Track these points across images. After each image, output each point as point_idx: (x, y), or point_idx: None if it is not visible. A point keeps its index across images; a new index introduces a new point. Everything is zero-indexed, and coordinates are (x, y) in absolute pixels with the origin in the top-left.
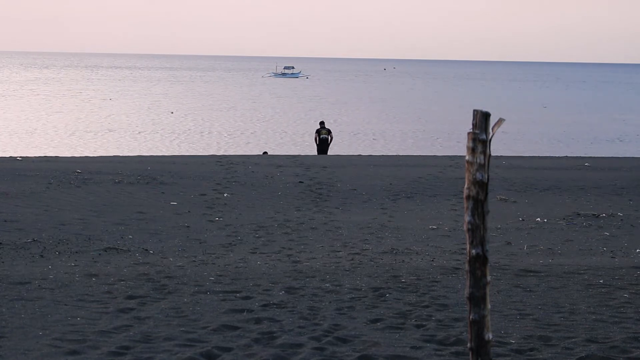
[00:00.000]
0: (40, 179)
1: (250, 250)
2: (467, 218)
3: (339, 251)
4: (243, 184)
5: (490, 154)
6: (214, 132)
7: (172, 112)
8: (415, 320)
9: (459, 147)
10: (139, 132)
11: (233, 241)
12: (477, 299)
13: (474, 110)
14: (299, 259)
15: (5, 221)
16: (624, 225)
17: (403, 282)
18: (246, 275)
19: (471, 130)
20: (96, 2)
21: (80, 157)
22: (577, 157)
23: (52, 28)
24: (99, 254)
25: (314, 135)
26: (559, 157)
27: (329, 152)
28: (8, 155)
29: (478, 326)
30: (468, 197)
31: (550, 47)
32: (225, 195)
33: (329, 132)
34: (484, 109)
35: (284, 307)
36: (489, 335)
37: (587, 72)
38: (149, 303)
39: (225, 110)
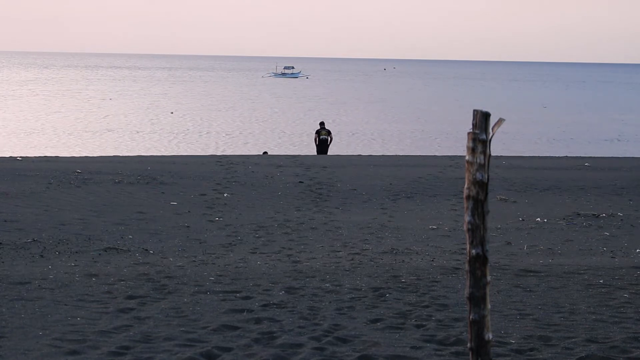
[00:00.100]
0: (40, 179)
1: (250, 250)
2: (467, 218)
3: (339, 251)
4: (243, 184)
5: (490, 154)
6: (214, 132)
7: (172, 112)
8: (415, 320)
9: (459, 147)
10: (137, 132)
11: (233, 241)
12: (477, 299)
13: (474, 110)
14: (299, 259)
15: (5, 221)
16: (624, 225)
17: (403, 282)
18: (246, 275)
19: (471, 130)
20: (96, 2)
21: (80, 157)
22: (577, 157)
23: (52, 28)
24: (99, 254)
25: (313, 135)
26: (559, 157)
27: (329, 153)
28: (8, 155)
29: (478, 326)
30: (468, 197)
31: (550, 47)
32: (225, 195)
33: (328, 133)
34: (484, 109)
35: (284, 307)
36: (489, 335)
37: (587, 72)
38: (149, 303)
39: (225, 110)
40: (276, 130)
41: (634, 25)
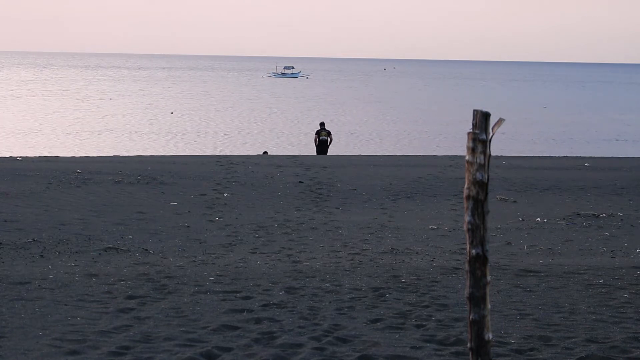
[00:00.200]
0: (40, 179)
1: (250, 250)
2: (467, 218)
3: (339, 251)
4: (243, 184)
5: (490, 154)
6: (214, 132)
7: (172, 112)
8: (415, 320)
9: (459, 147)
10: (136, 132)
11: (233, 241)
12: (477, 299)
13: (474, 110)
14: (299, 259)
15: (5, 221)
16: (624, 225)
17: (403, 282)
18: (246, 275)
19: (471, 130)
20: (96, 2)
21: (80, 157)
22: (577, 157)
23: (52, 28)
24: (99, 254)
25: (313, 136)
26: (559, 157)
27: (328, 153)
28: (8, 155)
29: (478, 326)
30: (468, 197)
31: (550, 47)
32: (225, 195)
33: (328, 133)
34: (484, 109)
35: (284, 307)
36: (489, 335)
37: (587, 72)
38: (149, 303)
39: (225, 110)
40: (276, 131)
41: (634, 25)
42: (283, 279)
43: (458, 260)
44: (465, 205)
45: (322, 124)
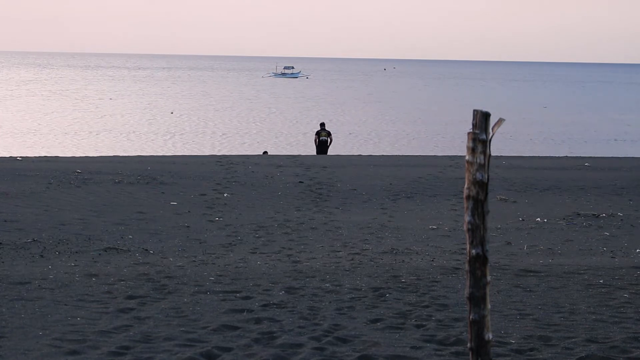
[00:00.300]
0: (40, 179)
1: (250, 250)
2: (467, 218)
3: (339, 251)
4: (243, 184)
5: (490, 154)
6: (214, 132)
7: (172, 112)
8: (415, 320)
9: (459, 147)
10: (135, 132)
11: (233, 241)
12: (477, 299)
13: (474, 110)
14: (299, 259)
15: (5, 221)
16: (624, 225)
17: (403, 282)
18: (246, 275)
19: (471, 130)
20: (96, 2)
21: (80, 157)
22: (577, 157)
23: (52, 28)
24: (99, 254)
25: (313, 136)
26: (559, 157)
27: (328, 153)
28: (8, 155)
29: (478, 326)
30: (468, 197)
31: (550, 47)
32: (225, 195)
33: (328, 134)
34: (484, 109)
35: (284, 307)
36: (489, 335)
37: (587, 72)
38: (149, 303)
39: (225, 110)
40: (276, 130)
41: (634, 25)
42: (283, 279)
43: (458, 260)
44: (465, 205)
45: (322, 125)
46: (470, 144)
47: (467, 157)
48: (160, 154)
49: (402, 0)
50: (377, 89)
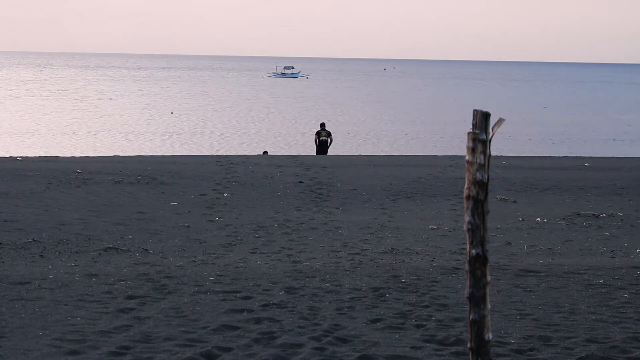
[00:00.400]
0: (40, 179)
1: (250, 250)
2: (467, 218)
3: (339, 251)
4: (243, 184)
5: (490, 154)
6: (214, 132)
7: (172, 112)
8: (415, 320)
9: (459, 147)
10: (136, 132)
11: (233, 241)
12: (477, 299)
13: (474, 110)
14: (299, 259)
15: (5, 221)
16: (624, 225)
17: (403, 282)
18: (246, 275)
19: (471, 130)
20: (96, 2)
21: (80, 157)
22: (577, 157)
23: (52, 28)
24: (99, 254)
25: (312, 136)
26: (559, 157)
27: (328, 153)
28: (8, 155)
29: (478, 326)
30: (468, 197)
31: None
32: (225, 195)
33: (329, 134)
34: (484, 109)
35: (284, 307)
36: (489, 335)
37: (587, 72)
38: (149, 303)
39: (225, 110)
40: (276, 130)
41: (634, 25)
42: (283, 279)
43: (458, 260)
44: (465, 205)
45: (322, 125)
46: (470, 144)
47: (467, 157)
48: (161, 154)
49: (402, 0)
50: (376, 89)
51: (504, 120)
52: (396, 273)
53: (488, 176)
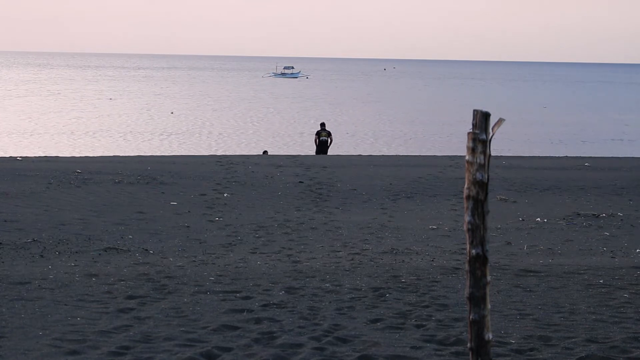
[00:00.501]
0: (40, 179)
1: (250, 250)
2: (467, 218)
3: (339, 251)
4: (243, 184)
5: (490, 154)
6: (213, 132)
7: (172, 112)
8: (415, 320)
9: (459, 147)
10: (135, 132)
11: (233, 241)
12: (477, 299)
13: (474, 110)
14: (299, 259)
15: (5, 221)
16: (624, 225)
17: (403, 282)
18: (246, 275)
19: (471, 130)
20: (96, 2)
21: (80, 157)
22: (577, 157)
23: (52, 28)
24: (99, 254)
25: (313, 136)
26: (559, 157)
27: (328, 153)
28: (8, 155)
29: (478, 326)
30: (468, 197)
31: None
32: (225, 195)
33: (329, 134)
34: (484, 109)
35: (284, 307)
36: (489, 335)
37: (587, 72)
38: (149, 303)
39: (225, 109)
40: (276, 130)
41: (634, 25)
42: (283, 279)
43: (458, 260)
44: (465, 205)
45: (322, 125)
46: (470, 144)
47: (467, 157)
48: (160, 154)
49: (402, 0)
50: (376, 89)
51: (504, 120)
52: (396, 273)
53: (488, 176)
